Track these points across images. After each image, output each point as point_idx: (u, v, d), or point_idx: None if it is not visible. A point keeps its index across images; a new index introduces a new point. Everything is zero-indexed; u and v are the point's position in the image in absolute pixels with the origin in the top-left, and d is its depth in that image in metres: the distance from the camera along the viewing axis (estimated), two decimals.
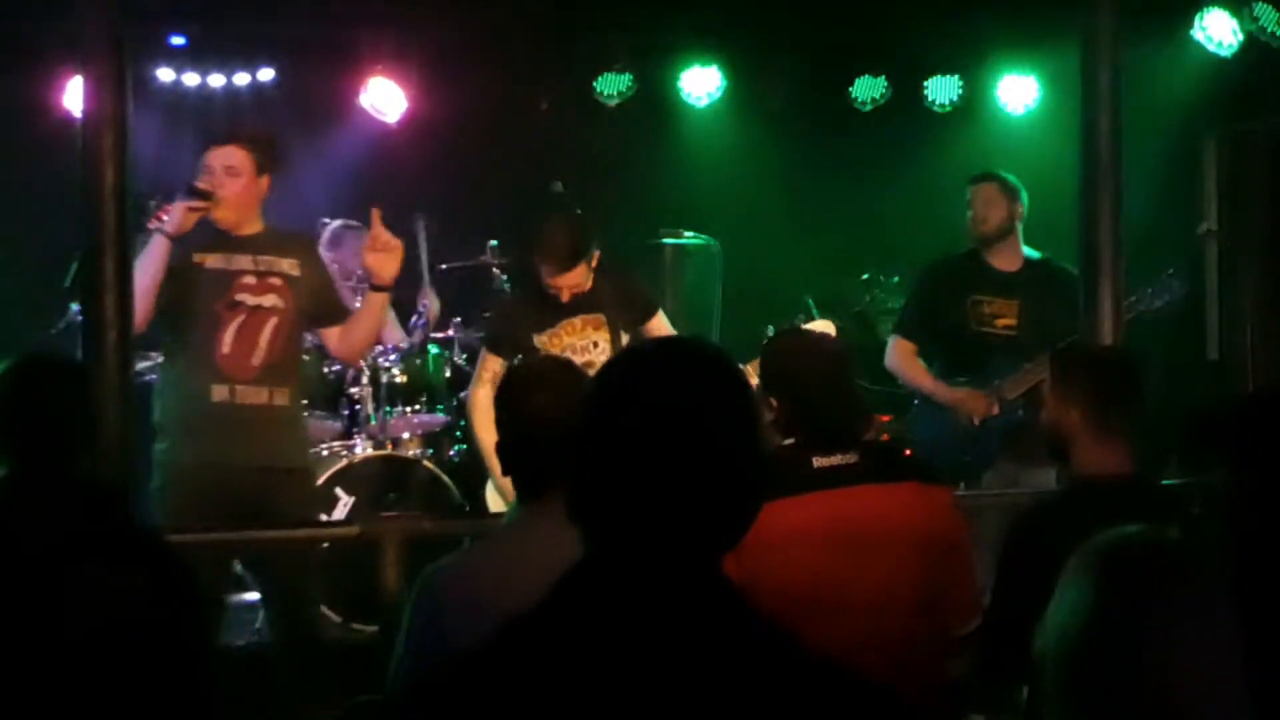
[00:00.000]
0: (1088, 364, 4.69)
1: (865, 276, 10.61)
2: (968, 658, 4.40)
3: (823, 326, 7.15)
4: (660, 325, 7.25)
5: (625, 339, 7.08)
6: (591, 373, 6.83)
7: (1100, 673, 2.33)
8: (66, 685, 3.62)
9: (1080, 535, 2.86)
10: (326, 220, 9.19)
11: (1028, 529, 4.37)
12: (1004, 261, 7.65)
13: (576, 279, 6.91)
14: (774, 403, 4.37)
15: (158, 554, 3.90)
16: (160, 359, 6.82)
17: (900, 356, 7.80)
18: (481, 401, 6.94)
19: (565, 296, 6.93)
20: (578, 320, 7.02)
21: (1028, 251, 7.78)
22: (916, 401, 8.04)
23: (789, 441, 4.31)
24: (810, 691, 2.10)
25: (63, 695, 3.62)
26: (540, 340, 6.97)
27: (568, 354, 6.93)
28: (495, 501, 7.14)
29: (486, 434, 6.87)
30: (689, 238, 10.08)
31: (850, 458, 4.28)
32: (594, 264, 6.97)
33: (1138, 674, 2.30)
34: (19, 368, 3.92)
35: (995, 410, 7.43)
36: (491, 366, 7.01)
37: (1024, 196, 7.71)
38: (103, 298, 5.50)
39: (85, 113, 5.64)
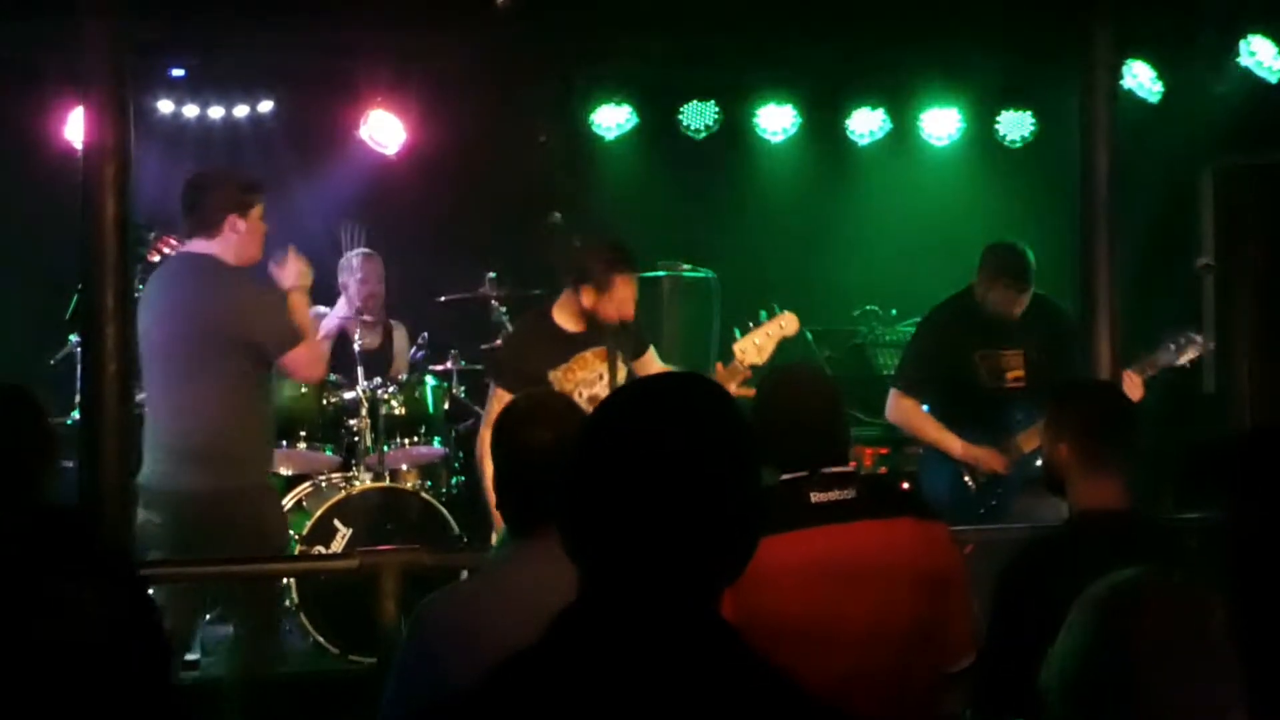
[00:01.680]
0: (1077, 398, 4.69)
1: (863, 309, 10.62)
2: (961, 694, 4.39)
3: (787, 321, 7.07)
4: (652, 360, 7.28)
5: (623, 372, 7.08)
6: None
7: (1101, 714, 2.34)
8: (25, 705, 3.63)
9: (1076, 570, 2.87)
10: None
11: (1024, 564, 4.36)
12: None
13: (633, 294, 6.97)
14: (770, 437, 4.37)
15: (121, 579, 3.92)
16: (240, 393, 6.64)
17: (904, 411, 7.63)
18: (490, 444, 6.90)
19: (630, 310, 6.96)
20: (588, 354, 7.01)
21: None
22: (922, 453, 7.97)
23: (785, 477, 4.31)
24: None
25: (30, 710, 3.63)
26: (554, 375, 6.94)
27: (580, 388, 6.94)
28: None
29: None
30: (687, 270, 10.09)
31: (848, 493, 4.25)
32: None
33: (1138, 715, 2.32)
34: None
35: (1009, 468, 7.34)
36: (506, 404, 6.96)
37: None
38: (103, 329, 5.50)
39: (87, 144, 5.64)
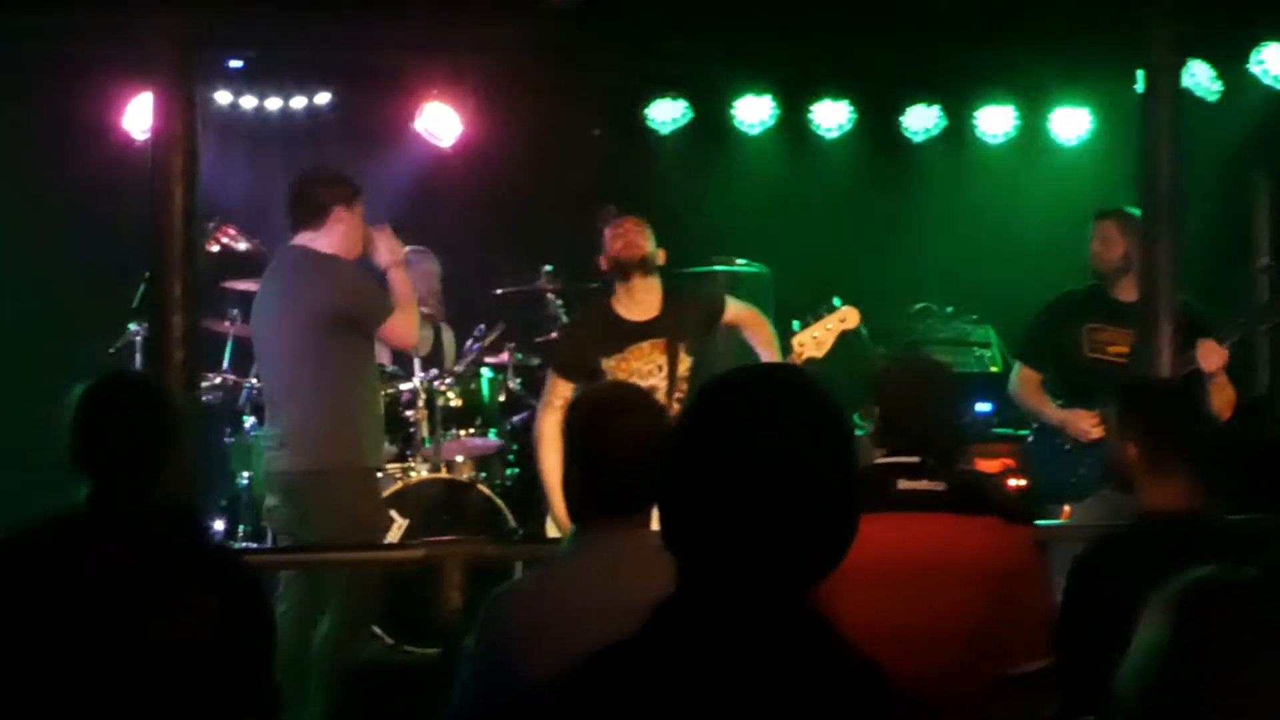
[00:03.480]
0: (1143, 398, 4.68)
1: (919, 306, 10.61)
2: (1034, 696, 4.35)
3: (848, 315, 7.05)
4: (737, 310, 7.24)
5: (685, 364, 7.06)
6: (654, 395, 6.83)
7: (1176, 714, 2.34)
8: (138, 702, 3.64)
9: (1142, 571, 2.86)
10: None
11: (1090, 564, 4.36)
12: (1125, 293, 7.52)
13: (638, 230, 6.96)
14: (877, 413, 4.40)
15: (231, 576, 3.93)
16: (344, 377, 6.97)
17: (1021, 383, 7.77)
18: (549, 430, 6.90)
19: (623, 244, 6.94)
20: (645, 345, 6.97)
21: None
22: (1035, 426, 8.01)
23: (880, 460, 4.30)
24: None
25: (134, 711, 3.65)
26: (608, 365, 6.92)
27: (634, 379, 6.92)
28: (555, 532, 7.01)
29: (552, 464, 6.85)
30: (741, 265, 10.10)
31: (937, 485, 4.24)
32: (660, 255, 7.00)
33: (1215, 715, 2.31)
34: (94, 390, 3.93)
35: (1097, 432, 7.33)
36: (561, 392, 6.94)
37: None
38: (170, 318, 5.55)
39: (155, 135, 5.69)
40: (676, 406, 6.75)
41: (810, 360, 6.88)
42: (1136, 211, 7.50)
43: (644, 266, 6.98)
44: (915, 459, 4.28)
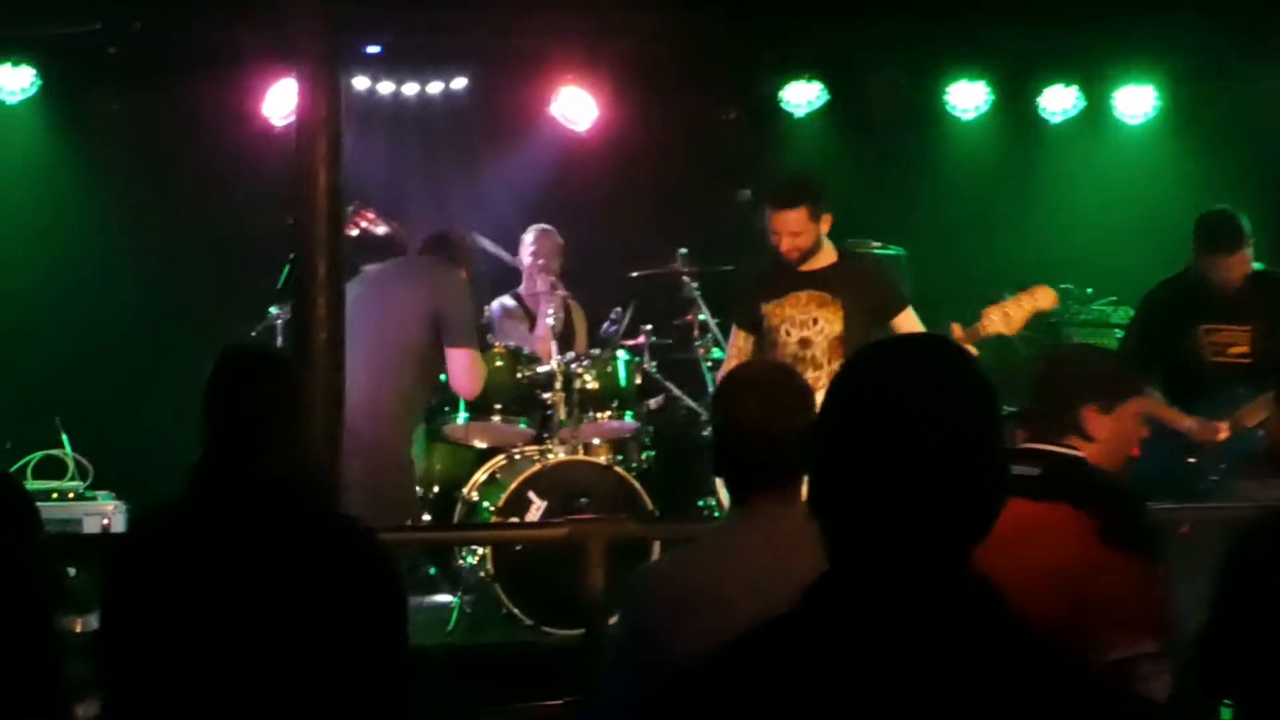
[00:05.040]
0: None
1: (1058, 289, 10.48)
2: (1150, 681, 4.18)
3: (1041, 295, 6.98)
4: (907, 323, 7.14)
5: (847, 325, 7.02)
6: (807, 351, 6.83)
7: None
8: (263, 675, 3.64)
9: None
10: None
11: (1249, 544, 4.27)
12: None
13: (796, 226, 6.91)
14: None
15: (355, 546, 3.93)
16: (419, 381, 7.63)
17: None
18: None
19: (785, 245, 6.93)
20: (804, 295, 6.99)
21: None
22: None
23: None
24: (1063, 694, 2.08)
25: (280, 677, 3.65)
26: (766, 308, 7.00)
27: (787, 326, 6.96)
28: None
29: None
30: (876, 248, 10.03)
31: (1031, 469, 4.09)
32: (823, 225, 6.96)
33: None
34: (219, 361, 3.95)
35: (1226, 436, 7.17)
36: (737, 343, 7.18)
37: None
38: (315, 299, 5.57)
39: (300, 117, 5.72)
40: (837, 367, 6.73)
41: (994, 336, 6.83)
42: (1245, 220, 7.34)
43: (808, 257, 7.05)
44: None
